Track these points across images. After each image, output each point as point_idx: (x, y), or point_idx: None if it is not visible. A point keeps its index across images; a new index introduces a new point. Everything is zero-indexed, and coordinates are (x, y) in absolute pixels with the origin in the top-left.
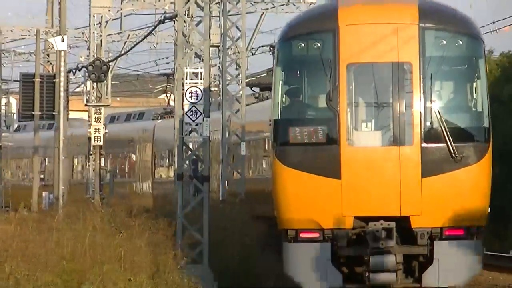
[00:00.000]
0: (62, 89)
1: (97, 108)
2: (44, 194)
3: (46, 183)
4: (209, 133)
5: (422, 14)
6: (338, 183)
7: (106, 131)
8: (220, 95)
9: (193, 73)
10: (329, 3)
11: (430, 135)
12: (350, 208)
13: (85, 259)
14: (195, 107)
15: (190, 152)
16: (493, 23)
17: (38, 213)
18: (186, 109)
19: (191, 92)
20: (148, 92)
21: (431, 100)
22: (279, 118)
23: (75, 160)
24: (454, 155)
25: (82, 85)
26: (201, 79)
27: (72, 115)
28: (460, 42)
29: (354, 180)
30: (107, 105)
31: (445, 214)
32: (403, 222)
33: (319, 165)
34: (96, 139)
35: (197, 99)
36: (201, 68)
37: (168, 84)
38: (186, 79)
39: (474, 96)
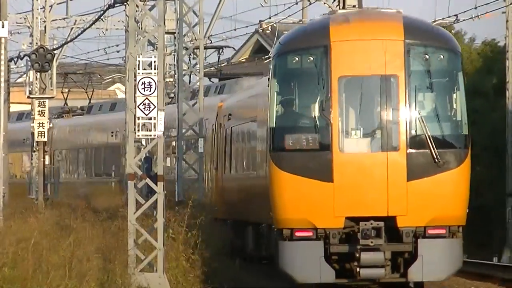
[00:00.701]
0: (2, 79)
1: (41, 100)
2: None
3: None
4: (163, 128)
5: (407, 31)
6: (330, 186)
7: (51, 125)
8: (175, 87)
9: (146, 62)
10: (321, 20)
11: (415, 142)
12: (342, 209)
13: (29, 265)
14: (148, 100)
15: (143, 148)
16: (475, 8)
17: None
18: (138, 101)
19: (144, 83)
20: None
21: (415, 110)
22: (275, 126)
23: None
24: (436, 160)
25: (24, 75)
26: (155, 69)
27: (13, 108)
28: (442, 57)
29: (345, 183)
30: (52, 97)
31: (428, 214)
32: (390, 222)
33: (313, 169)
34: (40, 134)
35: (150, 91)
36: (155, 57)
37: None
38: (139, 69)
39: (454, 106)
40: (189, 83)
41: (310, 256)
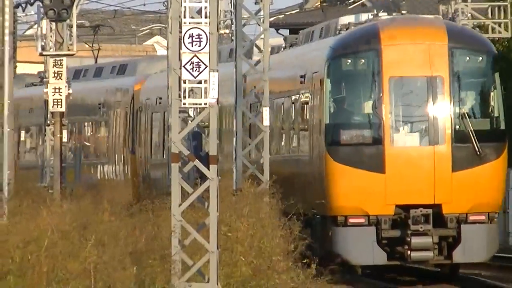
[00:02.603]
0: (6, 31)
1: (57, 59)
2: None
3: None
4: (218, 95)
5: (450, 35)
6: (382, 177)
7: (70, 91)
8: (233, 40)
9: (195, 8)
10: (370, 25)
11: (458, 136)
12: (392, 197)
13: (41, 274)
14: (198, 57)
15: (190, 121)
16: None
17: None
18: (184, 60)
19: (192, 36)
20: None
21: (459, 107)
22: (329, 122)
23: (24, 134)
24: (478, 153)
25: (36, 26)
26: (205, 17)
27: (21, 68)
28: (481, 59)
29: (396, 174)
30: (71, 55)
31: (470, 202)
32: (436, 209)
33: (366, 162)
34: (55, 103)
35: (200, 45)
36: (206, 1)
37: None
38: (185, 17)
39: (492, 103)
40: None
41: (363, 240)
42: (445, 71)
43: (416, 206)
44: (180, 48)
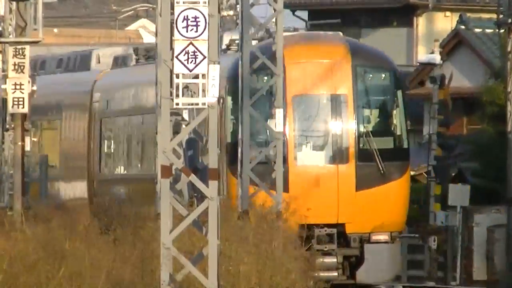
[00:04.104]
0: None
1: (18, 47)
2: None
3: None
4: (218, 92)
5: (353, 53)
6: (286, 196)
7: (35, 88)
8: (237, 24)
9: None
10: (271, 42)
11: (362, 155)
12: (296, 217)
13: None
14: (194, 46)
15: (184, 126)
16: None
17: None
18: (177, 49)
19: (187, 19)
20: (108, 19)
21: (363, 126)
22: (231, 140)
23: None
24: (382, 172)
25: None
26: None
27: None
28: (384, 76)
29: (300, 193)
30: (37, 42)
31: (373, 222)
32: (340, 228)
33: (269, 180)
34: (16, 102)
35: (197, 31)
36: None
37: (145, 4)
38: None
39: (395, 122)
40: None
41: None
42: (348, 89)
43: (321, 226)
44: (172, 34)
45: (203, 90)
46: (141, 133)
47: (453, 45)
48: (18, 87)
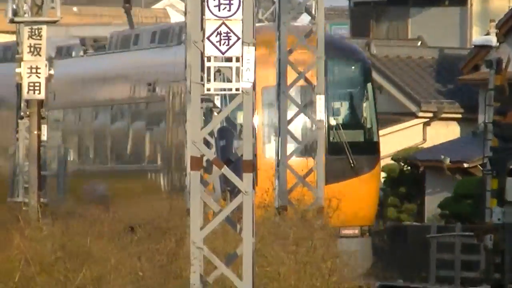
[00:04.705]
0: None
1: (35, 27)
2: None
3: None
4: (255, 77)
5: (324, 46)
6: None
7: (52, 72)
8: (274, 3)
9: None
10: None
11: (332, 148)
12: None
13: None
14: (227, 26)
15: (216, 113)
16: None
17: None
18: (209, 29)
19: None
20: None
21: (332, 118)
22: None
23: None
24: (352, 165)
25: None
26: None
27: None
28: (353, 68)
29: (268, 186)
30: (54, 21)
31: (343, 216)
32: None
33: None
34: (32, 87)
35: (230, 10)
36: None
37: None
38: None
39: (365, 115)
40: None
41: None
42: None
43: None
44: (202, 13)
45: (237, 74)
46: (92, 127)
47: (510, 25)
48: (34, 71)
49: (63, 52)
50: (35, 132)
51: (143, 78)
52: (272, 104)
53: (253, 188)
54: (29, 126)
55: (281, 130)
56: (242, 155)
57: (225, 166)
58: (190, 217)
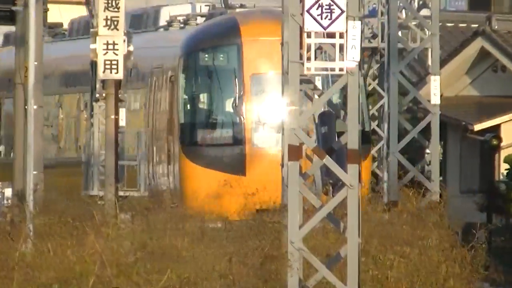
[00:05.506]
0: None
1: None
2: None
3: None
4: (360, 57)
5: None
6: (243, 179)
7: (131, 48)
8: None
9: None
10: (228, 19)
11: None
12: (253, 201)
13: None
14: None
15: (317, 96)
16: None
17: None
18: (309, 1)
19: None
20: None
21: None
22: (184, 121)
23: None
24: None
25: None
26: None
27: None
28: None
29: (257, 176)
30: None
31: None
32: None
33: (225, 163)
34: (109, 66)
35: None
36: None
37: None
38: None
39: None
40: None
41: None
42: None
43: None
44: None
45: (341, 52)
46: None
47: None
48: (111, 47)
49: (11, 39)
50: (112, 117)
51: None
52: (264, 91)
53: (359, 181)
54: (105, 110)
55: (391, 116)
56: (346, 144)
57: (327, 156)
58: (288, 214)
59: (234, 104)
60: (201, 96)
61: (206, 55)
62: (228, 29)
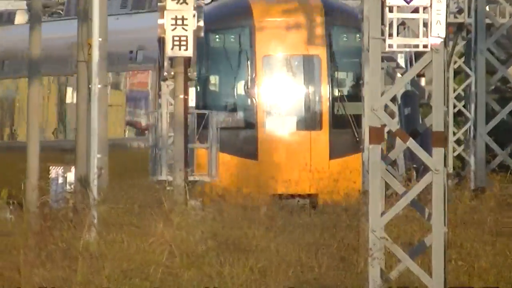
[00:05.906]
0: None
1: None
2: (53, 171)
3: (54, 144)
4: (446, 33)
5: (327, 12)
6: (255, 164)
7: (201, 23)
8: None
9: None
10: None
11: (337, 121)
12: (266, 186)
13: None
14: None
15: (400, 75)
16: None
17: (37, 216)
18: None
19: None
20: None
21: (337, 90)
22: (195, 104)
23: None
24: (357, 139)
25: None
26: None
27: None
28: (359, 37)
29: (270, 161)
30: None
31: (346, 191)
32: (313, 198)
33: (237, 147)
34: (177, 43)
35: None
36: None
37: None
38: None
39: None
40: None
41: None
42: (322, 50)
43: (292, 196)
44: None
45: (425, 28)
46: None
47: None
48: (180, 22)
49: (3, 19)
50: (181, 97)
51: None
52: (276, 73)
53: (445, 165)
54: (174, 90)
55: (478, 96)
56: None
57: (410, 138)
58: (368, 200)
59: (246, 87)
60: (212, 78)
61: (217, 37)
62: (240, 10)
